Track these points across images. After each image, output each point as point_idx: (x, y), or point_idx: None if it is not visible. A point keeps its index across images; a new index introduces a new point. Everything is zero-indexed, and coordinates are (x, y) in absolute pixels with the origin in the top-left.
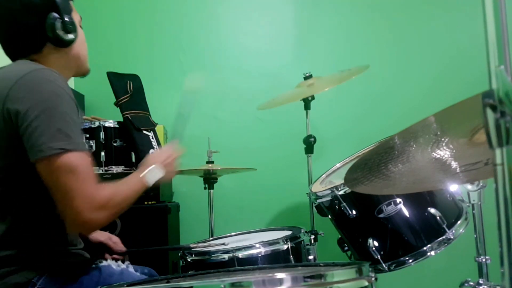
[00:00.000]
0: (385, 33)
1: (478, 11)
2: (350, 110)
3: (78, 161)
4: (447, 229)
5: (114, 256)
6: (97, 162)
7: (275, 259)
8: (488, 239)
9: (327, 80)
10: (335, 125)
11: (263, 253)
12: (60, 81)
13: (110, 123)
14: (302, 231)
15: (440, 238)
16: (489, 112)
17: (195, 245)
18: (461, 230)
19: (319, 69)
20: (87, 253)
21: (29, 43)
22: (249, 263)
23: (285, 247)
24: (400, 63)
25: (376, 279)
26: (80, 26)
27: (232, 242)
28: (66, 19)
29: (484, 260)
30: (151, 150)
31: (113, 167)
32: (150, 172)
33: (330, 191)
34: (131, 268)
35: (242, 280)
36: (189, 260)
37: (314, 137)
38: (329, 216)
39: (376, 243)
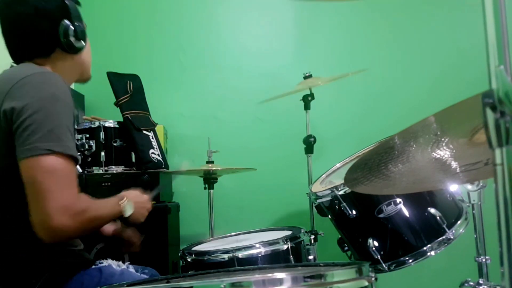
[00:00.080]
0: (385, 33)
1: (478, 11)
2: (350, 110)
3: (62, 164)
4: (447, 229)
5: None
6: (97, 162)
7: (275, 259)
8: (488, 239)
9: (327, 80)
10: (335, 125)
11: (263, 253)
12: (62, 85)
13: (110, 123)
14: (302, 231)
15: (440, 238)
16: (489, 112)
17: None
18: (461, 230)
19: (319, 69)
20: (89, 254)
21: (39, 47)
22: (249, 263)
23: (285, 247)
24: (400, 63)
25: (376, 279)
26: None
27: (232, 242)
28: (78, 26)
29: (484, 260)
30: (151, 151)
31: (113, 167)
32: (129, 204)
33: (330, 191)
34: (131, 268)
35: (242, 280)
36: (189, 260)
37: (314, 137)
38: (329, 216)
39: (376, 243)
